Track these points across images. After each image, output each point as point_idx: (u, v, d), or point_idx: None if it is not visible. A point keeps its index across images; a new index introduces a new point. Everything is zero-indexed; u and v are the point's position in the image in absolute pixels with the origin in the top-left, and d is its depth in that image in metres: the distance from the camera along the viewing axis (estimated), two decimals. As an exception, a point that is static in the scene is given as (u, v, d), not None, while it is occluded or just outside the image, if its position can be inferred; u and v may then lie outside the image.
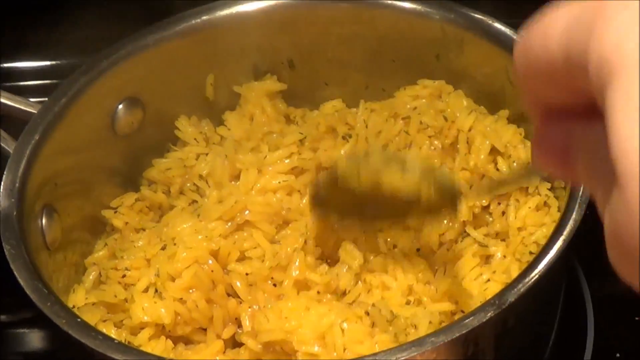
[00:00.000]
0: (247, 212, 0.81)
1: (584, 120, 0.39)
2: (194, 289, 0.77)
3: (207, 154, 0.89)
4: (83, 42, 1.12)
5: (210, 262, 0.78)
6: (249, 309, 0.77)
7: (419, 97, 0.88)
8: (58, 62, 1.15)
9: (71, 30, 1.14)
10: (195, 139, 0.91)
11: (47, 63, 1.16)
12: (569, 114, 0.40)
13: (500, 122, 0.84)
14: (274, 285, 0.79)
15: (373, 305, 0.75)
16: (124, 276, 0.80)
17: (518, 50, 0.40)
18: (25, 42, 1.15)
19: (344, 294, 0.78)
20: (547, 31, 0.37)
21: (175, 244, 0.79)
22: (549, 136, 0.42)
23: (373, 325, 0.74)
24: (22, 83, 1.14)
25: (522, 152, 0.81)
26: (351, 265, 0.78)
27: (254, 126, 0.90)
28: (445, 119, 0.85)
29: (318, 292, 0.78)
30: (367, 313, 0.74)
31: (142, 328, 0.76)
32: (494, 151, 0.82)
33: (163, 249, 0.79)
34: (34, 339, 0.96)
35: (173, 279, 0.77)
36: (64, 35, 1.14)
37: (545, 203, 0.79)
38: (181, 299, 0.76)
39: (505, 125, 0.84)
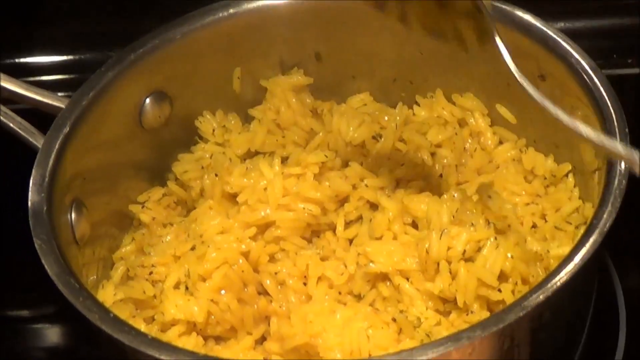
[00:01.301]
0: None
1: None
2: (225, 290, 0.76)
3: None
4: (105, 37, 1.12)
5: (240, 261, 0.77)
6: (280, 308, 0.77)
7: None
8: (81, 56, 1.15)
9: (93, 24, 1.14)
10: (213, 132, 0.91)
11: (70, 57, 1.15)
12: None
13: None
14: (304, 284, 0.78)
15: (401, 312, 0.75)
16: (151, 273, 0.80)
17: None
18: (47, 36, 1.15)
19: (359, 296, 0.78)
20: None
21: (203, 242, 0.78)
22: None
23: (400, 332, 0.73)
24: (44, 78, 1.14)
25: None
26: (367, 271, 0.77)
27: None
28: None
29: (340, 293, 0.78)
30: (394, 319, 0.73)
31: (173, 325, 0.76)
32: None
33: (192, 249, 0.78)
34: (56, 334, 0.96)
35: (204, 280, 0.76)
36: (86, 29, 1.14)
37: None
38: (212, 300, 0.76)
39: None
